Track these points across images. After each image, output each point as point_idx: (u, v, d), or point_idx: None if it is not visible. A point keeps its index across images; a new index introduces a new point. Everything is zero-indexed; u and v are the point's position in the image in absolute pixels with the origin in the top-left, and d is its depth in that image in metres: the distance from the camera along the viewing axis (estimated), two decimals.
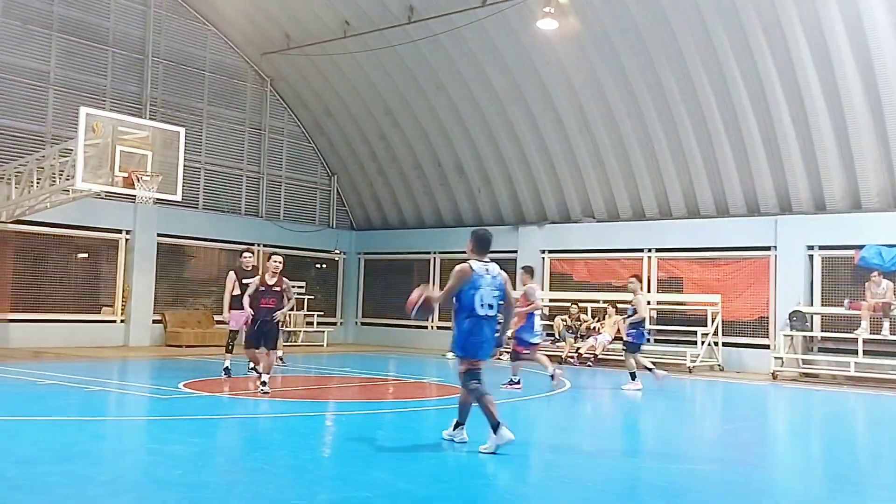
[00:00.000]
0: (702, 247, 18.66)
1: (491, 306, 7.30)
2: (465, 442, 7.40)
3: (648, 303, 18.92)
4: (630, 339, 12.96)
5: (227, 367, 12.34)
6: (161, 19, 20.34)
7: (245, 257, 13.19)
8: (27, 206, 16.25)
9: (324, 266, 24.37)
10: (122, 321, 19.26)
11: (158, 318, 19.92)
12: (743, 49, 16.30)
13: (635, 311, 12.97)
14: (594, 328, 18.30)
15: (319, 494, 5.67)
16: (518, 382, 12.39)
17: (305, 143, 23.80)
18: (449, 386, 12.58)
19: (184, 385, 11.37)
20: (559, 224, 20.85)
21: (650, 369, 13.04)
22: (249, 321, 11.17)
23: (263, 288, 11.02)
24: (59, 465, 6.18)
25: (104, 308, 19.31)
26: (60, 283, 18.55)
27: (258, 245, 22.08)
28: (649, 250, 19.47)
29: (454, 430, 7.54)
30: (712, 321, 17.62)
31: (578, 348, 18.00)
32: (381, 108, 21.86)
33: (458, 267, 7.38)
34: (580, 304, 19.05)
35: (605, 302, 18.85)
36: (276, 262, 11.26)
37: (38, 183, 15.41)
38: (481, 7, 17.44)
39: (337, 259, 24.42)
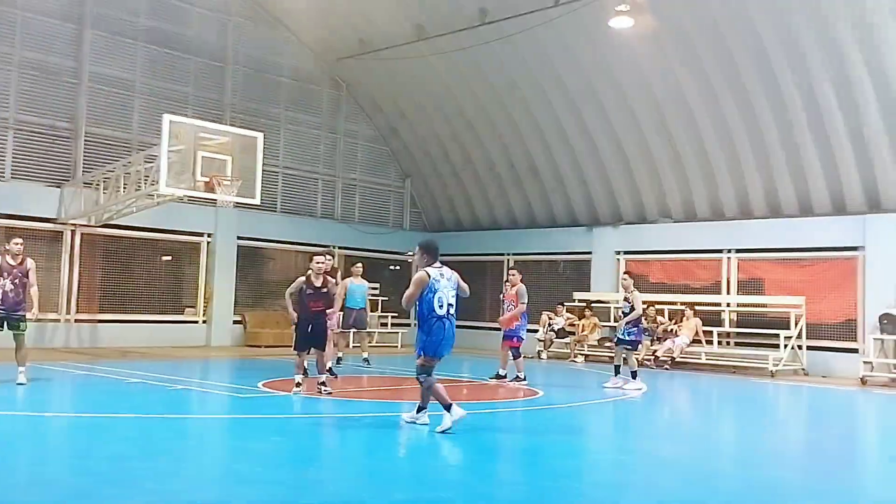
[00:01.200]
0: (784, 247, 18.09)
1: (451, 305, 8.12)
2: (426, 424, 8.10)
3: (728, 304, 18.55)
4: (632, 337, 12.71)
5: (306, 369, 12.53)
6: (240, 27, 20.88)
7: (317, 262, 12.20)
8: (115, 210, 16.89)
9: (398, 268, 24.58)
10: (204, 322, 19.83)
11: (238, 318, 20.43)
12: (827, 41, 15.74)
13: (632, 309, 12.68)
14: (671, 330, 17.97)
15: (395, 493, 5.71)
16: (524, 378, 12.84)
17: (380, 147, 24.07)
18: (525, 388, 12.53)
19: (263, 384, 11.62)
20: (634, 224, 20.54)
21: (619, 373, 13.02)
22: (298, 324, 10.80)
23: (311, 291, 10.67)
24: (146, 461, 6.40)
25: (187, 309, 19.92)
26: (146, 284, 19.22)
27: (334, 247, 22.43)
28: (729, 251, 18.99)
29: (417, 413, 8.29)
30: (796, 324, 17.06)
31: (655, 351, 17.70)
32: (454, 111, 21.93)
33: (416, 276, 8.18)
34: (656, 307, 18.72)
35: (682, 304, 18.49)
36: (318, 262, 10.79)
37: (124, 188, 16.00)
38: (554, 7, 17.31)
39: (411, 261, 24.58)
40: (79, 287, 17.85)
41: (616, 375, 12.69)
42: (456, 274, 8.33)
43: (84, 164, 17.95)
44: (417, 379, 8.27)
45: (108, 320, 18.29)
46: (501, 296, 13.73)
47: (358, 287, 15.13)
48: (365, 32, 20.84)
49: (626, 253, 20.61)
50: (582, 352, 19.03)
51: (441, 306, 8.02)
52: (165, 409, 9.58)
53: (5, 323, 10.61)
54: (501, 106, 20.97)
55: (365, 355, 15.29)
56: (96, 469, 6.05)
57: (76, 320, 17.76)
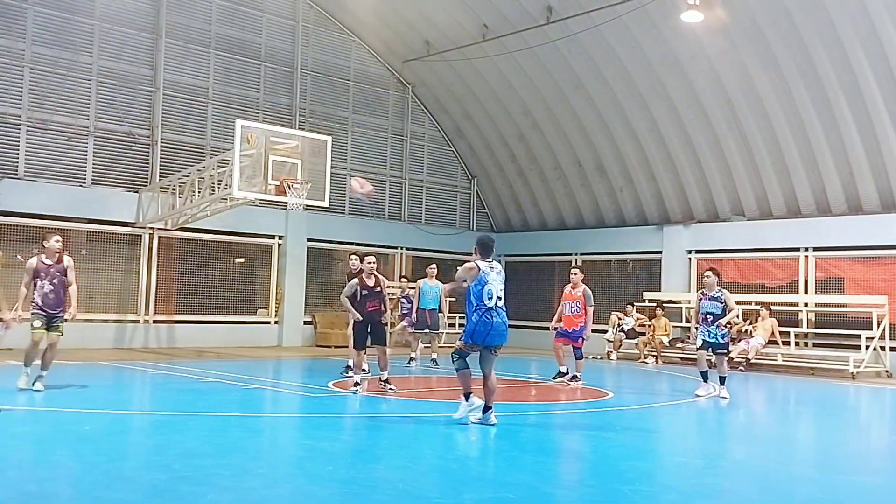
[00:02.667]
0: (865, 245, 17.45)
1: (500, 298, 8.37)
2: (494, 425, 8.16)
3: (806, 304, 17.99)
4: (725, 339, 11.68)
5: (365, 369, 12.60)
6: (308, 33, 21.23)
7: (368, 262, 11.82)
8: (190, 214, 17.36)
9: None
10: (275, 322, 20.22)
11: (309, 319, 20.76)
12: None
13: (725, 309, 11.56)
14: (746, 331, 17.52)
15: (463, 494, 5.71)
16: (579, 378, 12.64)
17: (446, 148, 24.14)
18: (593, 389, 12.40)
19: (332, 384, 11.78)
20: (706, 223, 20.10)
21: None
22: (356, 324, 11.00)
23: (365, 291, 10.84)
24: (221, 458, 6.55)
25: (259, 310, 20.34)
26: (220, 286, 19.69)
27: (401, 248, 22.62)
28: (806, 249, 18.42)
29: (483, 414, 8.33)
30: (878, 324, 16.43)
31: (729, 352, 17.26)
32: (520, 110, 21.85)
33: (466, 265, 8.54)
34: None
35: (757, 304, 18.01)
36: (370, 262, 10.94)
37: (199, 192, 16.44)
38: (621, 3, 17.08)
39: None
40: (156, 289, 18.41)
41: (706, 381, 11.62)
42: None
43: (161, 169, 18.52)
44: (452, 360, 8.48)
45: (185, 321, 18.81)
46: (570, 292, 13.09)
47: (430, 288, 15.23)
48: (430, 34, 20.94)
49: (697, 252, 20.19)
50: (652, 353, 18.71)
51: (490, 298, 8.26)
52: (239, 408, 9.79)
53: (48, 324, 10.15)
54: (568, 104, 20.79)
55: (433, 356, 15.35)
56: (173, 466, 6.22)
57: (154, 321, 18.32)
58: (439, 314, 15.75)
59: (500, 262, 8.85)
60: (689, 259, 20.29)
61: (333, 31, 21.74)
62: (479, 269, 8.33)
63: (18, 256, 17.54)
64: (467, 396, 8.35)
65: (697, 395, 11.57)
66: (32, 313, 10.10)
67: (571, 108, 20.80)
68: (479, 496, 5.68)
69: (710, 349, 11.53)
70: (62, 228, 17.43)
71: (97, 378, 12.55)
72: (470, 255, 25.49)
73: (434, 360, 15.20)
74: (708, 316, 11.54)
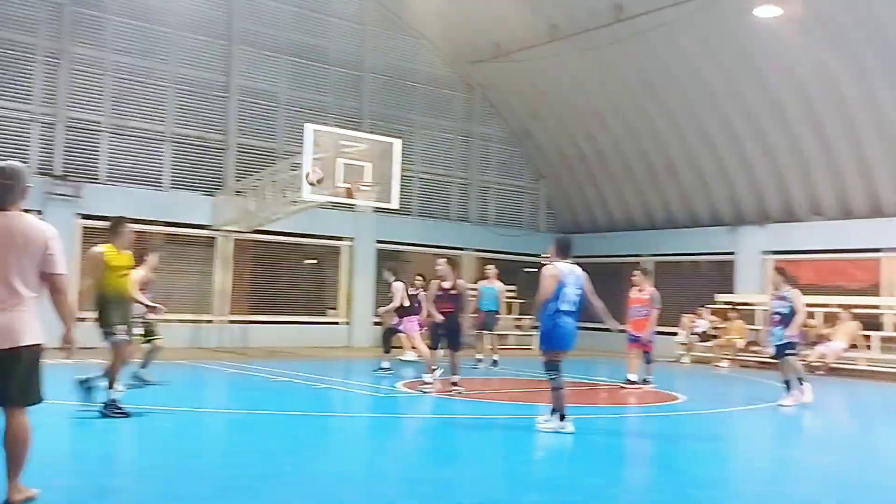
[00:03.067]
0: None
1: (574, 302, 8.22)
2: (571, 433, 7.89)
3: (890, 307, 17.31)
4: (792, 339, 10.91)
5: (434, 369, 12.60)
6: (376, 36, 21.45)
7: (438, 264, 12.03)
8: (262, 217, 17.72)
9: (534, 270, 24.47)
10: (345, 323, 20.48)
11: (378, 320, 20.93)
12: None
13: (793, 311, 10.85)
14: (825, 335, 16.95)
15: (530, 496, 5.68)
16: (650, 382, 12.37)
17: (513, 149, 24.07)
18: (664, 393, 12.18)
19: (401, 385, 11.86)
20: (782, 223, 19.53)
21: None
22: (425, 325, 11.19)
23: (440, 293, 11.08)
24: (293, 456, 6.67)
25: (329, 310, 20.63)
26: (291, 287, 20.05)
27: (468, 250, 22.64)
28: (888, 250, 17.73)
29: (562, 421, 8.02)
30: None
31: (807, 356, 16.74)
32: (588, 110, 21.63)
33: (547, 271, 8.39)
34: (807, 310, 17.69)
35: (836, 306, 17.41)
36: (438, 265, 11.29)
37: (271, 196, 16.77)
38: (692, 0, 16.76)
39: (546, 263, 24.41)
40: (231, 290, 18.86)
41: (789, 390, 10.92)
42: (584, 273, 8.49)
43: (234, 173, 18.98)
44: (549, 377, 8.20)
45: (258, 321, 19.21)
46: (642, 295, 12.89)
47: (487, 290, 15.19)
48: (498, 35, 20.89)
49: (773, 253, 19.64)
50: (727, 356, 18.28)
51: (567, 301, 8.16)
52: (310, 407, 9.95)
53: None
54: (637, 104, 20.49)
55: (495, 357, 15.31)
56: (246, 463, 6.36)
57: (229, 321, 18.77)
58: (497, 316, 15.54)
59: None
60: (764, 260, 19.75)
61: (401, 34, 21.92)
62: (561, 272, 8.26)
63: None
64: (562, 417, 8.01)
65: (781, 405, 10.88)
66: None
67: (641, 107, 20.49)
68: (546, 499, 5.64)
69: (780, 353, 10.94)
70: (141, 231, 18.04)
71: (174, 377, 12.91)
72: (538, 255, 25.41)
73: (495, 362, 15.15)
74: (775, 316, 11.01)
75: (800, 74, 17.36)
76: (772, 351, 11.09)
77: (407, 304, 13.34)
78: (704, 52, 18.19)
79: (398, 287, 13.56)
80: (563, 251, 8.49)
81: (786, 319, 10.85)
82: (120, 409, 7.97)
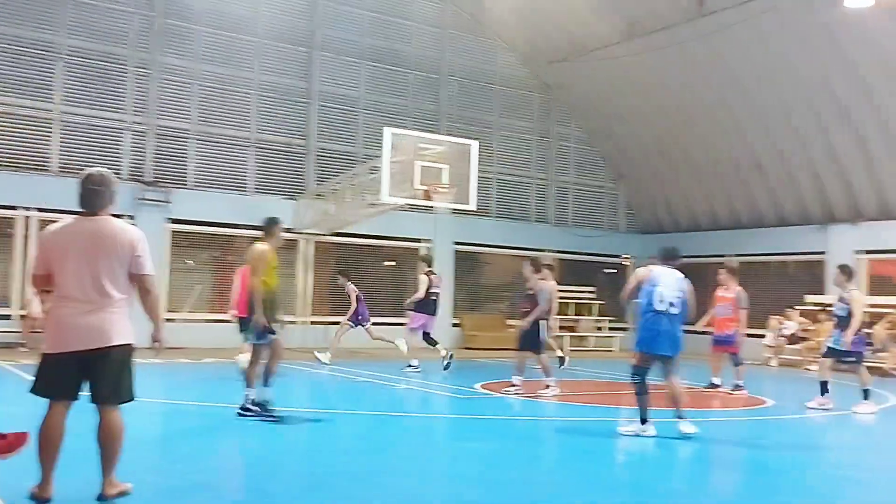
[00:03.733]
0: None
1: (672, 304, 7.89)
2: (654, 436, 7.76)
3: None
4: (855, 347, 10.22)
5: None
6: (455, 39, 21.54)
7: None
8: (342, 220, 18.01)
9: (614, 271, 24.15)
10: None
11: (457, 321, 21.02)
12: None
13: (850, 314, 10.21)
14: None
15: (613, 499, 5.61)
16: (741, 387, 11.74)
17: (591, 148, 23.79)
18: (751, 396, 11.83)
19: (481, 386, 11.86)
20: (877, 221, 18.72)
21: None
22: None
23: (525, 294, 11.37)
24: (373, 456, 6.75)
25: (409, 312, 20.74)
26: (371, 289, 20.28)
27: (547, 251, 22.47)
28: None
29: (642, 424, 7.90)
30: None
31: (861, 361, 15.97)
32: (669, 108, 21.20)
33: (637, 271, 8.36)
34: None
35: None
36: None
37: (351, 199, 17.03)
38: None
39: (626, 264, 24.08)
40: (313, 291, 19.23)
41: (823, 394, 10.35)
42: (686, 281, 8.26)
43: (315, 177, 19.35)
44: (632, 380, 8.03)
45: (339, 322, 19.48)
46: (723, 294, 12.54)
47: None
48: (575, 34, 20.70)
49: (867, 252, 18.85)
50: (817, 359, 17.59)
51: (661, 301, 7.89)
52: (391, 408, 10.05)
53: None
54: (721, 100, 19.98)
55: (559, 354, 14.99)
56: (329, 461, 6.47)
57: (311, 322, 19.14)
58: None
59: (647, 263, 8.56)
60: (858, 260, 18.98)
61: (478, 36, 21.95)
62: (651, 271, 8.12)
63: (188, 261, 18.88)
64: (643, 421, 7.92)
65: (807, 406, 10.43)
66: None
67: (725, 103, 19.97)
68: (628, 502, 5.55)
69: (835, 358, 10.32)
70: (226, 235, 18.60)
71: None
72: (618, 256, 25.00)
73: (561, 359, 14.83)
74: (833, 318, 10.43)
75: (894, 64, 16.62)
76: (823, 350, 10.56)
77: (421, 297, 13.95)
78: (792, 44, 17.60)
79: (423, 280, 14.00)
80: (664, 257, 8.37)
81: (842, 323, 10.17)
82: (269, 411, 8.10)
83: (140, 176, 17.42)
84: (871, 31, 16.32)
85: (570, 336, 21.33)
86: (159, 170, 17.77)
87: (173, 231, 17.57)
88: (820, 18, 16.73)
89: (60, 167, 16.69)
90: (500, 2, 20.67)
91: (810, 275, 20.23)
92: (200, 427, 8.10)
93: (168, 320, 17.07)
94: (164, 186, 17.41)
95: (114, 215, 5.00)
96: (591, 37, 20.28)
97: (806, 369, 17.47)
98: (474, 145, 16.46)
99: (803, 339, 18.12)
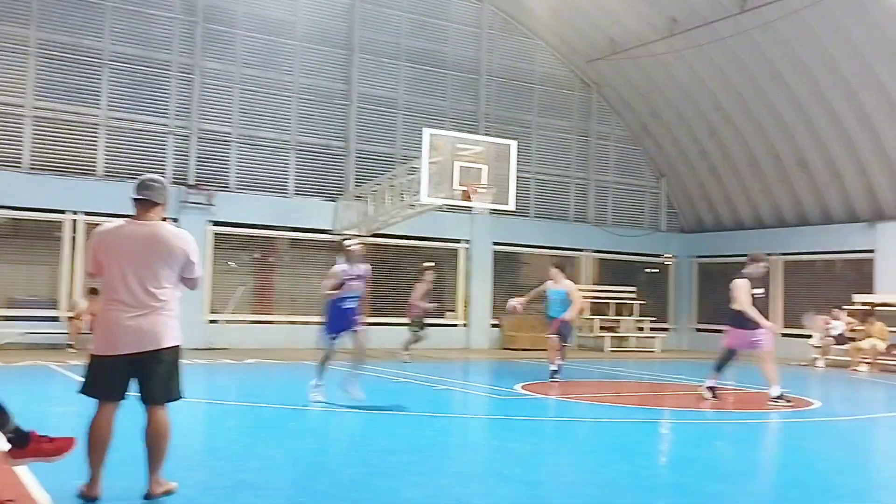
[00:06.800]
0: None
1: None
2: None
3: None
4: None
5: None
6: (493, 39, 21.51)
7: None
8: (381, 220, 18.10)
9: (656, 271, 23.90)
10: (464, 325, 20.61)
11: (496, 322, 20.98)
12: None
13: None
14: None
15: (656, 501, 5.55)
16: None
17: (632, 147, 23.58)
18: (797, 398, 11.61)
19: (521, 387, 11.82)
20: None
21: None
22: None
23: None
24: (413, 456, 6.77)
25: (448, 312, 20.80)
26: (410, 289, 20.30)
27: (587, 251, 22.36)
28: None
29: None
30: None
31: None
32: (711, 105, 20.92)
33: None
34: None
35: None
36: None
37: (390, 200, 17.10)
38: None
39: (668, 263, 23.81)
40: None
41: None
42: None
43: (355, 178, 19.47)
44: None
45: (377, 323, 19.57)
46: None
47: (556, 294, 12.44)
48: (615, 32, 20.54)
49: None
50: (865, 359, 17.24)
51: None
52: (431, 408, 10.07)
53: None
54: (763, 96, 19.66)
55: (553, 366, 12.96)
56: (369, 461, 6.50)
57: None
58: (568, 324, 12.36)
59: (689, 263, 8.71)
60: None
61: (517, 35, 21.89)
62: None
63: (231, 263, 19.13)
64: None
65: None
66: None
67: (768, 99, 19.65)
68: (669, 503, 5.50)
69: None
70: (268, 237, 18.81)
71: (301, 376, 13.35)
72: (660, 255, 24.73)
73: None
74: None
75: None
76: None
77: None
78: (837, 39, 17.26)
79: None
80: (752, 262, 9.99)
81: None
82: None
83: (183, 179, 17.70)
84: None
85: (611, 336, 21.16)
86: (202, 173, 18.04)
87: (216, 233, 17.82)
88: (865, 11, 16.38)
89: (106, 171, 17.04)
90: (538, 1, 20.59)
91: (858, 274, 19.81)
92: (244, 426, 8.20)
93: (211, 322, 17.44)
94: (206, 189, 17.66)
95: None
96: (631, 34, 20.11)
97: (853, 370, 17.11)
98: (513, 145, 16.41)
99: (851, 339, 17.74)
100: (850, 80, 17.81)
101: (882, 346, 17.22)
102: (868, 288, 19.04)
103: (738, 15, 17.57)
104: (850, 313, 18.27)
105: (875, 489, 6.41)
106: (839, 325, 18.01)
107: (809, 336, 18.49)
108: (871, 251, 19.10)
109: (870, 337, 17.32)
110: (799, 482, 6.41)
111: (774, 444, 8.43)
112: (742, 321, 10.29)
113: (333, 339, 9.24)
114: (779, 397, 10.03)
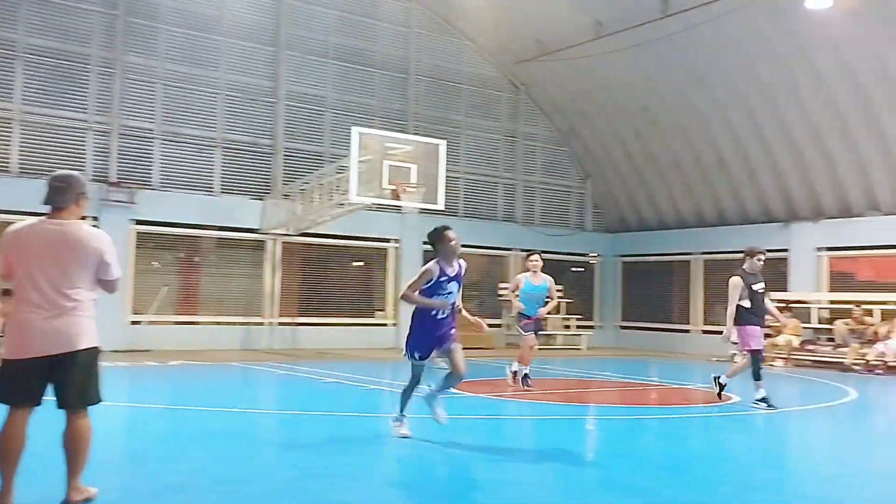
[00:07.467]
0: None
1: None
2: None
3: None
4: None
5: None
6: (422, 38, 21.52)
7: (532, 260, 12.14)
8: (310, 220, 17.91)
9: (582, 269, 24.30)
10: (393, 324, 20.56)
11: None
12: None
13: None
14: (883, 333, 16.50)
15: (585, 497, 5.64)
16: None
17: (559, 148, 23.93)
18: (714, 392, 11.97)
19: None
20: (838, 219, 19.08)
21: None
22: None
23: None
24: (344, 457, 6.71)
25: (377, 312, 20.74)
26: (339, 289, 20.22)
27: (515, 250, 22.59)
28: None
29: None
30: None
31: (865, 355, 16.33)
32: (635, 107, 21.40)
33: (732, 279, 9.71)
34: (864, 307, 17.28)
35: (895, 304, 16.95)
36: (533, 261, 11.97)
37: (318, 199, 16.94)
38: None
39: (593, 262, 24.24)
40: (280, 292, 19.10)
41: None
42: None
43: (283, 177, 19.21)
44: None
45: (307, 323, 19.41)
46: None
47: (534, 288, 12.29)
48: (542, 34, 20.79)
49: (828, 249, 19.20)
50: (780, 355, 17.90)
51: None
52: (358, 409, 10.01)
53: None
54: (686, 100, 20.22)
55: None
56: (299, 464, 6.43)
57: (278, 323, 19.00)
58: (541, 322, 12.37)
59: (613, 262, 8.74)
60: (819, 257, 19.32)
61: (446, 35, 21.96)
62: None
63: (154, 263, 18.65)
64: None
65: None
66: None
67: (690, 102, 20.21)
68: (602, 500, 5.59)
69: None
70: (193, 236, 18.41)
71: (227, 378, 13.14)
72: (585, 255, 25.07)
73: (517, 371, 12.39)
74: None
75: (854, 66, 16.95)
76: None
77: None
78: (756, 44, 17.87)
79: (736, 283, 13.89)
80: (748, 255, 9.93)
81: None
82: None
83: (104, 176, 17.16)
84: (831, 33, 16.63)
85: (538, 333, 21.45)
86: (123, 170, 17.53)
87: (138, 232, 17.34)
88: (783, 19, 17.00)
89: (21, 168, 16.40)
90: (468, 1, 20.69)
91: (774, 272, 20.52)
92: (168, 430, 8.00)
93: (133, 323, 16.98)
94: (128, 187, 17.17)
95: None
96: (559, 36, 20.40)
97: (770, 365, 17.73)
98: (442, 145, 16.46)
99: (767, 335, 18.37)
100: (768, 85, 18.46)
101: (796, 341, 17.91)
102: (783, 286, 19.78)
103: (661, 19, 18.00)
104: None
105: (791, 480, 6.66)
106: None
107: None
108: (786, 250, 19.84)
109: (785, 333, 18.00)
110: (720, 475, 6.61)
111: (696, 438, 8.66)
112: (748, 317, 9.87)
113: (422, 358, 7.40)
114: (762, 399, 9.84)
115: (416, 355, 7.32)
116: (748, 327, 9.92)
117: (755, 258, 10.04)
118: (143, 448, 7.11)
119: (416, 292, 7.44)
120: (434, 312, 7.34)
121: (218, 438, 7.50)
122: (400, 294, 7.53)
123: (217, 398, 10.32)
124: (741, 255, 10.24)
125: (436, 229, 7.63)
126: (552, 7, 19.95)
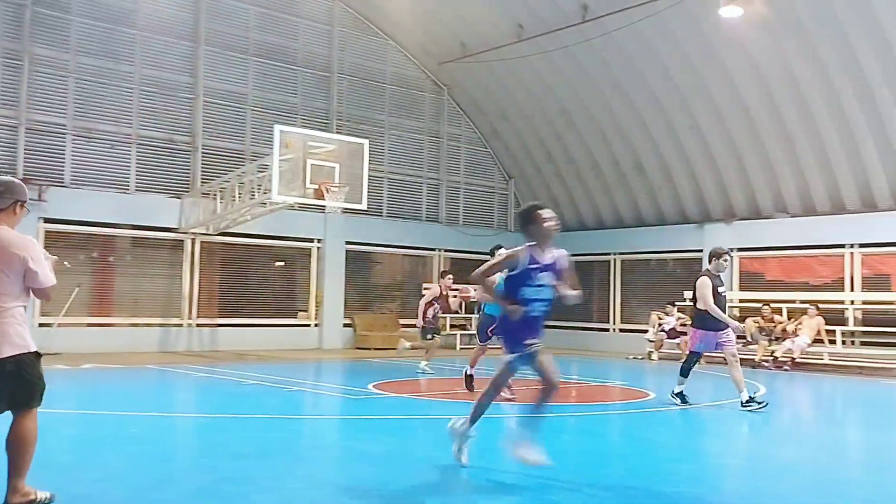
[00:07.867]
0: None
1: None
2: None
3: (852, 302, 17.64)
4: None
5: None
6: (345, 37, 21.38)
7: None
8: (230, 219, 17.58)
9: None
10: (315, 325, 20.37)
11: (349, 321, 20.88)
12: None
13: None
14: (791, 330, 17.21)
15: (508, 495, 5.69)
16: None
17: (482, 149, 24.13)
18: (633, 390, 12.27)
19: (372, 386, 11.82)
20: (748, 220, 19.81)
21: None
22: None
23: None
24: (263, 460, 6.61)
25: (300, 312, 20.50)
26: (261, 289, 19.91)
27: (439, 250, 22.67)
28: (851, 246, 18.08)
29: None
30: None
31: (773, 352, 17.00)
32: (556, 110, 21.75)
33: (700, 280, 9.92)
34: (773, 305, 17.99)
35: (802, 302, 17.70)
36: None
37: (239, 197, 16.64)
38: None
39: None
40: (199, 293, 18.67)
41: None
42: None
43: (202, 175, 18.78)
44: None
45: (226, 324, 19.04)
46: None
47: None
48: (466, 35, 20.94)
49: (740, 250, 19.91)
50: None
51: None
52: (280, 411, 9.88)
53: None
54: (605, 103, 20.65)
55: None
56: (217, 467, 6.30)
57: (197, 324, 18.58)
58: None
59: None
60: (731, 257, 19.97)
61: (369, 34, 21.86)
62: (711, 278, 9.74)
63: (66, 263, 17.96)
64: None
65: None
66: None
67: (609, 106, 20.65)
68: (509, 497, 5.65)
69: None
70: (107, 235, 17.83)
71: (143, 381, 12.77)
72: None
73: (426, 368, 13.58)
74: None
75: (764, 73, 17.62)
76: None
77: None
78: (672, 50, 18.39)
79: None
80: (714, 256, 10.04)
81: None
82: None
83: (11, 173, 16.44)
84: (742, 39, 17.23)
85: (462, 334, 21.61)
86: (32, 166, 16.84)
87: (47, 231, 16.69)
88: (698, 26, 17.54)
89: None
90: (392, 2, 20.66)
91: (689, 272, 21.17)
92: (81, 436, 7.72)
93: (42, 325, 16.32)
94: (37, 184, 16.49)
95: None
96: (481, 39, 20.57)
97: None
98: (366, 144, 16.41)
99: (682, 333, 18.93)
100: (683, 90, 19.02)
101: None
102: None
103: (581, 24, 18.34)
104: (681, 309, 19.51)
105: (706, 473, 6.86)
106: (671, 321, 19.19)
107: (645, 331, 19.61)
108: (700, 251, 20.43)
109: None
110: (639, 469, 6.77)
111: (614, 435, 8.86)
112: (707, 322, 9.71)
113: (511, 364, 6.18)
114: (750, 400, 9.70)
115: (509, 358, 6.10)
116: (700, 332, 9.91)
117: (721, 259, 9.93)
118: (54, 455, 6.84)
119: (493, 277, 6.31)
120: (526, 308, 5.98)
121: (131, 444, 7.29)
122: (472, 274, 6.42)
123: (131, 402, 10.02)
124: (705, 256, 10.42)
125: (526, 208, 6.26)
126: (475, 9, 20.10)
